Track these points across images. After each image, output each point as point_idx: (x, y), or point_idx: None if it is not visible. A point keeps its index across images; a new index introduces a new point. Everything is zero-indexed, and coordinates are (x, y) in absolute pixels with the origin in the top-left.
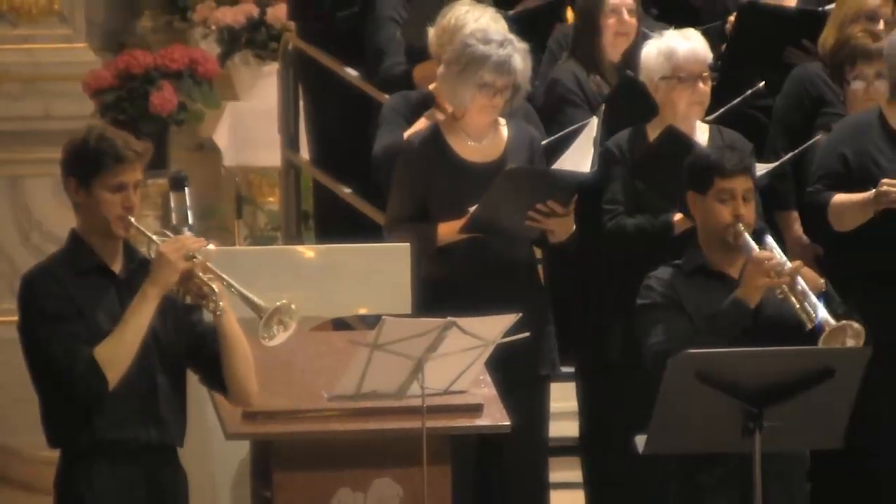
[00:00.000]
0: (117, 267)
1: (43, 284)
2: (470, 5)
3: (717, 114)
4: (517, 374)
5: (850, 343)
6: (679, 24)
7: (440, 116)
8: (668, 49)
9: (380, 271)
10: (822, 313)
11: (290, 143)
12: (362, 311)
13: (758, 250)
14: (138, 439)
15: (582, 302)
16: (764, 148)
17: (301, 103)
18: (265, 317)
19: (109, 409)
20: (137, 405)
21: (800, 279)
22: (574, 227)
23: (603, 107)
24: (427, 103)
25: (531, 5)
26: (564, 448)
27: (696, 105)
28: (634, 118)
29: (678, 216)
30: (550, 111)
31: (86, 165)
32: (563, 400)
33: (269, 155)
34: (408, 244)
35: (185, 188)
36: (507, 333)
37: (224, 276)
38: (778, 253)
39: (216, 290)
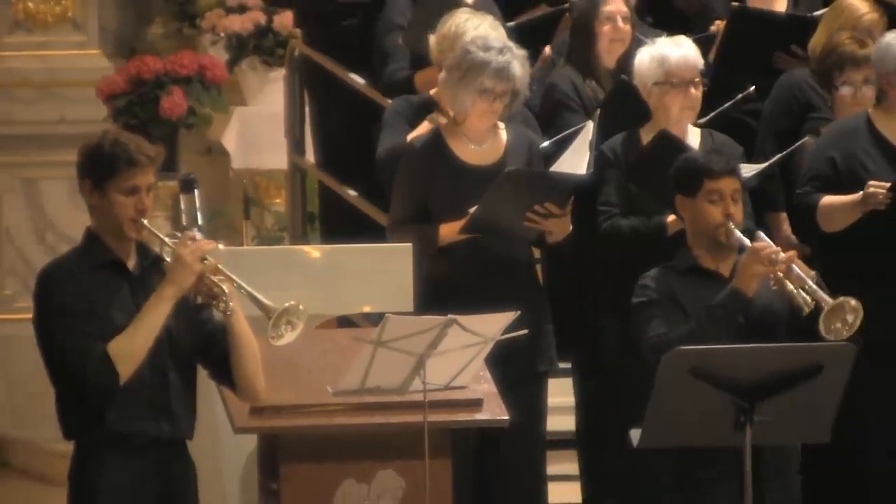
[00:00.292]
0: (131, 264)
1: (58, 280)
2: (470, 14)
3: (708, 117)
4: (516, 370)
5: (849, 318)
6: (672, 31)
7: (442, 120)
8: (660, 55)
9: (383, 271)
10: (820, 293)
11: (296, 146)
12: (366, 309)
13: (751, 244)
14: (150, 433)
15: (578, 301)
16: (753, 151)
17: (307, 108)
18: (274, 317)
19: (123, 403)
20: (150, 400)
21: (795, 266)
22: (571, 227)
23: (598, 111)
24: (429, 107)
25: (531, 17)
26: (562, 442)
27: (688, 110)
28: (629, 122)
29: (671, 218)
30: (548, 115)
31: (100, 169)
32: (561, 395)
33: (276, 158)
34: (410, 244)
35: (195, 190)
36: (506, 331)
37: (234, 277)
38: (771, 244)
39: (227, 290)
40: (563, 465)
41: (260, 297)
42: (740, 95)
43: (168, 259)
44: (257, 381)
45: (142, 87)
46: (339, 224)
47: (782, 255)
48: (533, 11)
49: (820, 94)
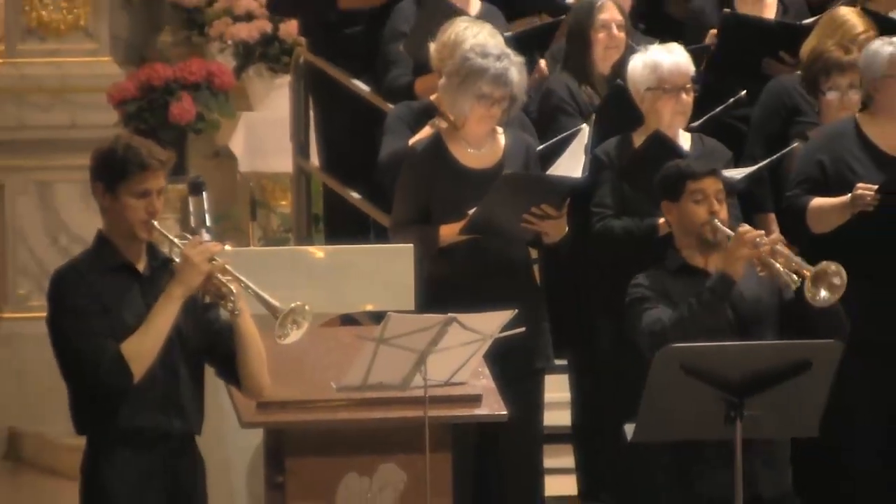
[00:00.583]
0: (141, 265)
1: (71, 282)
2: (469, 22)
3: (700, 121)
4: (514, 366)
5: (836, 282)
6: (664, 38)
7: (443, 125)
8: (653, 62)
9: (385, 271)
10: (803, 265)
11: (301, 150)
12: (369, 308)
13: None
14: (161, 427)
15: (574, 300)
16: (743, 155)
17: (311, 113)
18: (280, 317)
19: (134, 399)
20: (161, 396)
21: (780, 246)
22: (567, 228)
23: (593, 115)
24: (429, 113)
25: (528, 27)
26: (558, 436)
27: (680, 115)
28: (623, 126)
29: (662, 219)
30: (545, 119)
31: (113, 172)
32: (558, 391)
33: (282, 161)
34: (411, 245)
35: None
36: (505, 329)
37: (242, 277)
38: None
39: (234, 290)
40: (559, 458)
41: (267, 297)
42: (732, 100)
43: (177, 260)
44: (262, 379)
45: (152, 94)
46: (343, 225)
47: (766, 238)
48: (531, 21)
49: (807, 99)
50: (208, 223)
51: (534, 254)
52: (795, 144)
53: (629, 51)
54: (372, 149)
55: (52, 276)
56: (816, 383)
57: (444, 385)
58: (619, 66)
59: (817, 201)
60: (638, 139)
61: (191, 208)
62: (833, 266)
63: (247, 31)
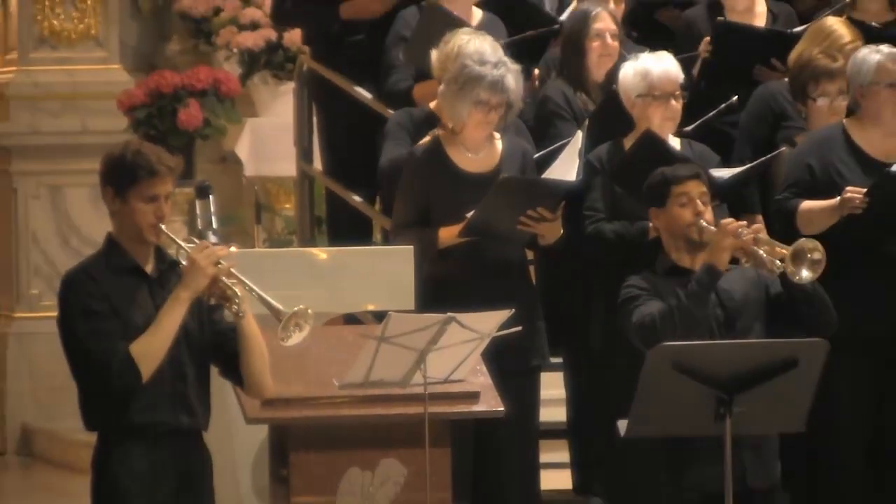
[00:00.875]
0: (149, 267)
1: (81, 283)
2: (470, 34)
3: (693, 126)
4: (511, 364)
5: (815, 257)
6: (655, 46)
7: (442, 131)
8: (643, 69)
9: (386, 271)
10: (780, 247)
11: (305, 155)
12: (370, 308)
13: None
14: (169, 423)
15: (569, 300)
16: (731, 158)
17: (314, 119)
18: (283, 320)
19: (144, 397)
20: (169, 393)
21: (761, 234)
22: (562, 230)
23: (587, 121)
24: (430, 122)
25: (523, 35)
26: (553, 432)
27: (669, 120)
28: (616, 131)
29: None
30: (542, 125)
31: (122, 177)
32: (553, 388)
33: (286, 166)
34: (411, 247)
35: (210, 196)
36: (502, 328)
37: (246, 280)
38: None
39: (239, 293)
40: (554, 453)
41: (270, 300)
42: (723, 105)
43: (184, 263)
44: (265, 379)
45: (160, 100)
46: (345, 228)
47: (748, 228)
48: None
49: (793, 104)
50: (215, 226)
51: (529, 255)
52: (783, 149)
53: (622, 59)
54: (373, 154)
55: (63, 278)
56: (803, 380)
57: (443, 382)
58: (612, 74)
59: (807, 204)
60: (629, 144)
61: (198, 211)
62: (809, 243)
63: (252, 40)
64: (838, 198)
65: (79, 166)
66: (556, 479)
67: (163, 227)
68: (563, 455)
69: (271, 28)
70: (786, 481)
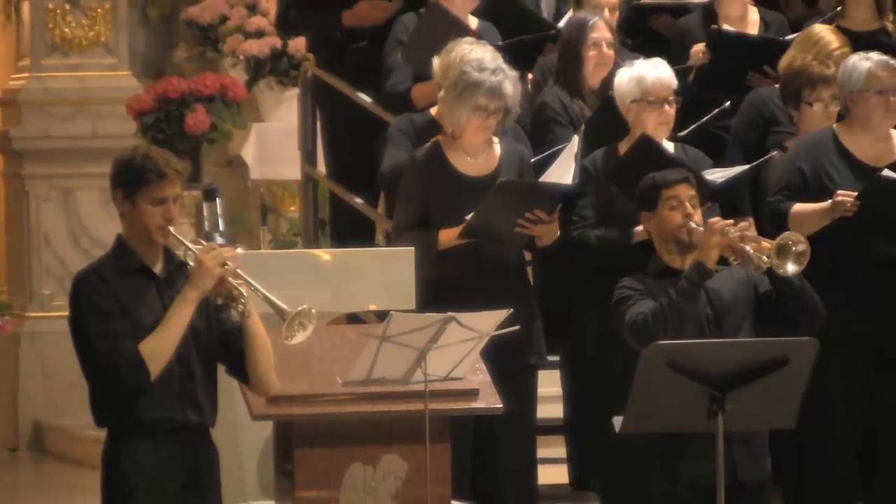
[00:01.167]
0: (158, 268)
1: (91, 283)
2: (471, 44)
3: (687, 130)
4: (509, 362)
5: (799, 249)
6: (649, 53)
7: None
8: (638, 75)
9: (387, 272)
10: (765, 242)
11: (309, 158)
12: (372, 307)
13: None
14: (177, 420)
15: (565, 300)
16: (723, 161)
17: (318, 123)
18: (288, 319)
19: (153, 394)
20: (177, 391)
21: (748, 232)
22: (559, 232)
23: (583, 127)
24: (431, 128)
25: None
26: (550, 428)
27: (663, 125)
28: (612, 136)
29: (640, 227)
30: (540, 130)
31: (131, 180)
32: (550, 386)
33: (291, 169)
34: (412, 248)
35: (217, 199)
36: (500, 327)
37: (252, 281)
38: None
39: (244, 294)
40: (551, 449)
41: (275, 300)
42: (716, 110)
43: (191, 264)
44: (270, 377)
45: (168, 105)
46: (348, 230)
47: (735, 227)
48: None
49: (783, 110)
50: (221, 227)
51: (527, 256)
52: (774, 153)
53: (617, 66)
54: (373, 158)
55: (74, 279)
56: (793, 379)
57: (443, 380)
58: (608, 81)
59: (798, 207)
60: (623, 149)
61: (205, 213)
62: (793, 235)
63: (258, 47)
64: (830, 201)
65: (89, 170)
66: (553, 475)
67: (171, 228)
68: (560, 451)
69: (276, 36)
70: (776, 475)
